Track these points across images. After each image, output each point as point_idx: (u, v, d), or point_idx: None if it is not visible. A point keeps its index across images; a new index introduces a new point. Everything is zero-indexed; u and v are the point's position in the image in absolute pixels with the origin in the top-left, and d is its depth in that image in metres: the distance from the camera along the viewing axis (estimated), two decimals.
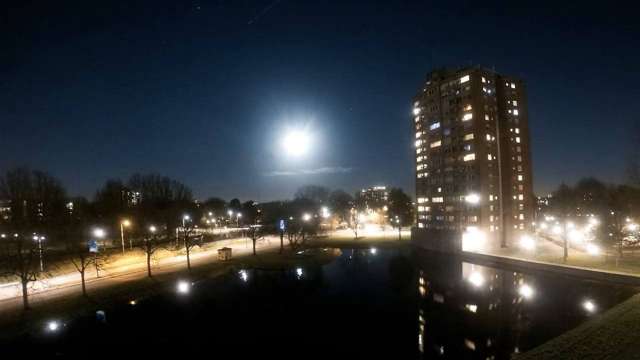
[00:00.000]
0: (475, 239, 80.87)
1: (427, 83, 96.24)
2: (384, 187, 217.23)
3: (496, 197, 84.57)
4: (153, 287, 54.14)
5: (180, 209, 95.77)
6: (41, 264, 51.93)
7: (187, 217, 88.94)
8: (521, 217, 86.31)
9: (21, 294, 42.11)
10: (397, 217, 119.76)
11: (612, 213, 65.72)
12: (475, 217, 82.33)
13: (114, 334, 36.34)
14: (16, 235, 47.23)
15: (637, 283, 47.41)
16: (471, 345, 33.12)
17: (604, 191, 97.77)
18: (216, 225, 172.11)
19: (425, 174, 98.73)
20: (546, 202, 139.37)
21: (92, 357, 31.01)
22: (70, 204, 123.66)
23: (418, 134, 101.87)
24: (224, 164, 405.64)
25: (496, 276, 64.48)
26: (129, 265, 70.26)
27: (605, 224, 63.74)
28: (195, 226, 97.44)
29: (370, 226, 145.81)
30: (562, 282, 53.91)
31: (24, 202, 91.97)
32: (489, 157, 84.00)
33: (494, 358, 30.56)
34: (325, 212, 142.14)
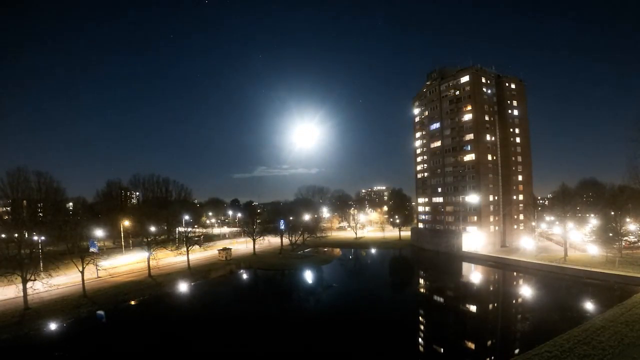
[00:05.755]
0: (475, 239, 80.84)
1: (427, 83, 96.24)
2: (384, 187, 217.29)
3: (496, 197, 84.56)
4: (153, 287, 54.14)
5: (180, 209, 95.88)
6: (41, 264, 51.93)
7: (187, 217, 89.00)
8: (521, 217, 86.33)
9: (21, 294, 42.07)
10: (397, 217, 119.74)
11: (612, 213, 65.73)
12: (475, 217, 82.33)
13: (114, 334, 36.34)
14: (16, 235, 47.31)
15: (637, 283, 47.39)
16: (471, 345, 33.14)
17: (604, 191, 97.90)
18: (216, 225, 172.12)
19: (425, 174, 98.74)
20: (546, 202, 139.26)
21: (92, 357, 31.01)
22: (70, 204, 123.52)
23: (418, 134, 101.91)
24: (224, 164, 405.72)
25: (496, 276, 64.47)
26: (129, 265, 70.28)
27: (605, 224, 63.69)
28: (195, 226, 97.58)
29: (370, 226, 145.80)
30: (562, 282, 53.95)
31: (24, 202, 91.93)
32: (489, 157, 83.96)
33: (493, 358, 30.58)
34: (325, 212, 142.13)
